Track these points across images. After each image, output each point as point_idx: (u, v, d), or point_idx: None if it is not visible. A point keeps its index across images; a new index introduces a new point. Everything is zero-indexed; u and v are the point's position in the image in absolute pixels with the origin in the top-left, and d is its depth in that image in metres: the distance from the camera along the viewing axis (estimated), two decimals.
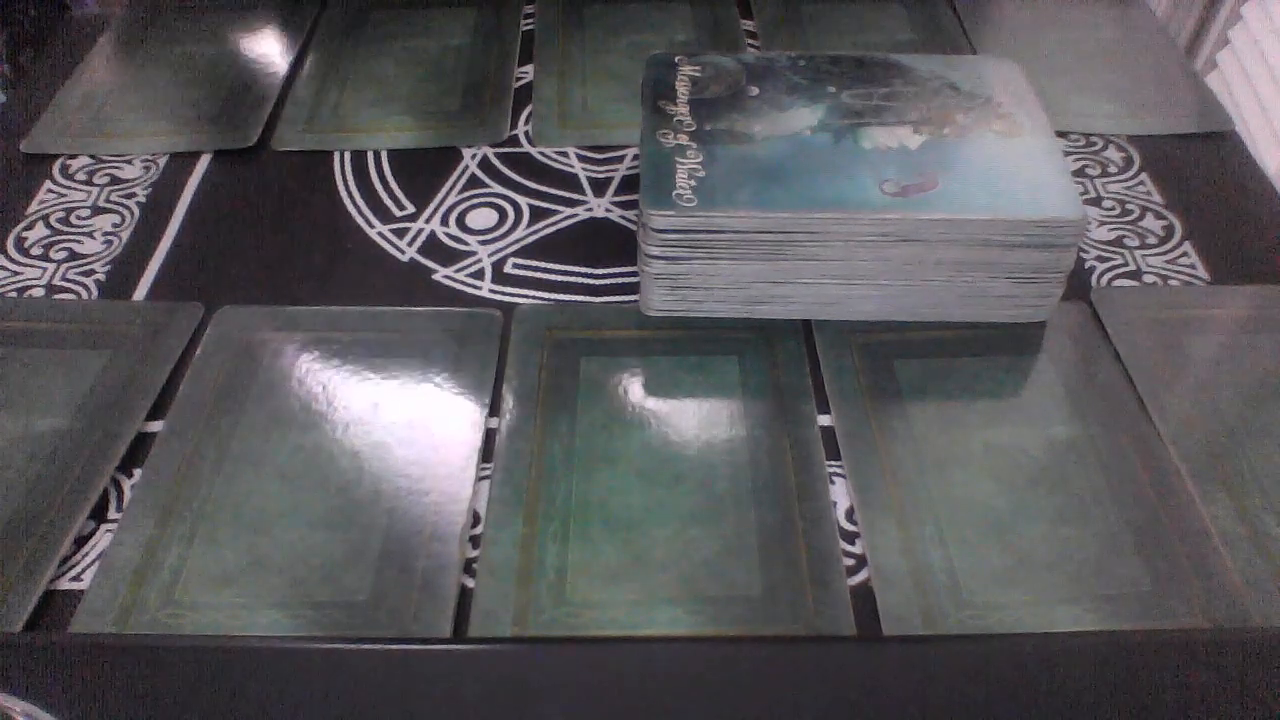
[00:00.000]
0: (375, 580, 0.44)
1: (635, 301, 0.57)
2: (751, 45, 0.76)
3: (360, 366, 0.53)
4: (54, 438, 0.49)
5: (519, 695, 0.38)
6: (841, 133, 0.55)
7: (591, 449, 0.49)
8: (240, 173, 0.66)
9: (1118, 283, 0.58)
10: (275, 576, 0.44)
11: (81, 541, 0.46)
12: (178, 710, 0.38)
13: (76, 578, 0.45)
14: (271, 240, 0.61)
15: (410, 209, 0.63)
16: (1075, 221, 0.51)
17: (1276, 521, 0.46)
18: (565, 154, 0.67)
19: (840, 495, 0.48)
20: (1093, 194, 0.64)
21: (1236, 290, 0.57)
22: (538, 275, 0.59)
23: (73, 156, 0.67)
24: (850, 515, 0.47)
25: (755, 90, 0.58)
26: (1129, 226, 0.62)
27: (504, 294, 0.58)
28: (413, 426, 0.50)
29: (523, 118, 0.70)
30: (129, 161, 0.67)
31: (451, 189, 0.65)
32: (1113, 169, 0.66)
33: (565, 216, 0.63)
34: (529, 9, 0.80)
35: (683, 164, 0.53)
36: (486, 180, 0.65)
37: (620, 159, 0.67)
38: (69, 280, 0.58)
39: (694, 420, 0.51)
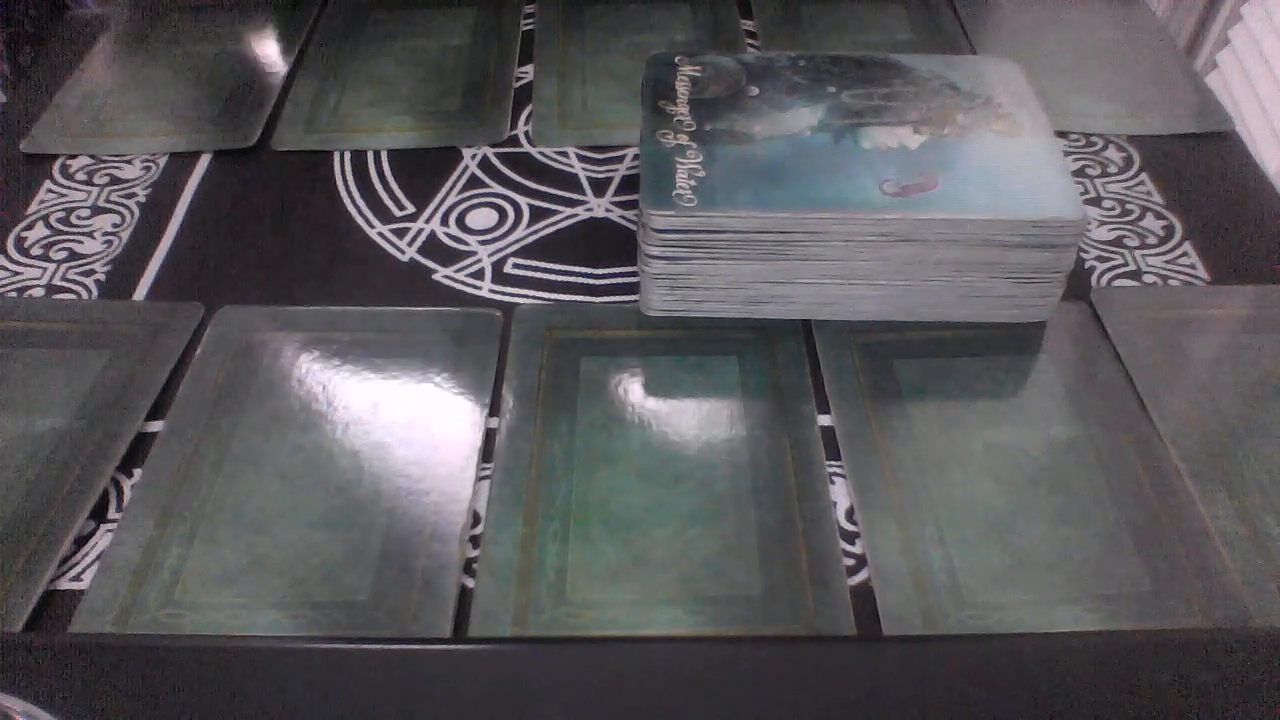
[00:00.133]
0: (375, 580, 0.44)
1: (635, 301, 0.57)
2: (751, 45, 0.76)
3: (360, 366, 0.53)
4: (54, 438, 0.49)
5: (519, 695, 0.38)
6: (841, 133, 0.55)
7: (591, 449, 0.49)
8: (240, 173, 0.66)
9: (1118, 283, 0.58)
10: (275, 576, 0.44)
11: (81, 541, 0.46)
12: (178, 710, 0.38)
13: (76, 578, 0.45)
14: (271, 240, 0.61)
15: (410, 209, 0.63)
16: (1075, 221, 0.51)
17: (1276, 521, 0.46)
18: (565, 154, 0.67)
19: (840, 495, 0.48)
20: (1093, 194, 0.64)
21: (1236, 290, 0.57)
22: (538, 275, 0.59)
23: (73, 156, 0.67)
24: (850, 515, 0.47)
25: (755, 90, 0.58)
26: (1129, 226, 0.62)
27: (504, 294, 0.58)
28: (413, 426, 0.50)
29: (523, 118, 0.70)
30: (129, 161, 0.67)
31: (451, 189, 0.65)
32: (1113, 169, 0.66)
33: (565, 216, 0.63)
34: (529, 9, 0.80)
35: (683, 164, 0.53)
36: (486, 180, 0.65)
37: (620, 159, 0.67)
38: (69, 280, 0.58)
39: (694, 420, 0.51)
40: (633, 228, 0.61)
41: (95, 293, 0.58)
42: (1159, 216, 0.62)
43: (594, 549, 0.45)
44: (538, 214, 0.63)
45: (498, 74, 0.73)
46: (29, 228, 0.62)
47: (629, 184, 0.65)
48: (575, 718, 0.38)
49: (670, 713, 0.38)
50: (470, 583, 0.44)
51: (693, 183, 0.52)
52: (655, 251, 0.52)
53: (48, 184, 0.65)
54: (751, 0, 0.80)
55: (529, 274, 0.59)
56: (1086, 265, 0.59)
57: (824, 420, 0.51)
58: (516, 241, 0.61)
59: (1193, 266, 0.59)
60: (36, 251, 0.60)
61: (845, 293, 0.54)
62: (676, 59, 0.60)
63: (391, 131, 0.69)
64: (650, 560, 0.45)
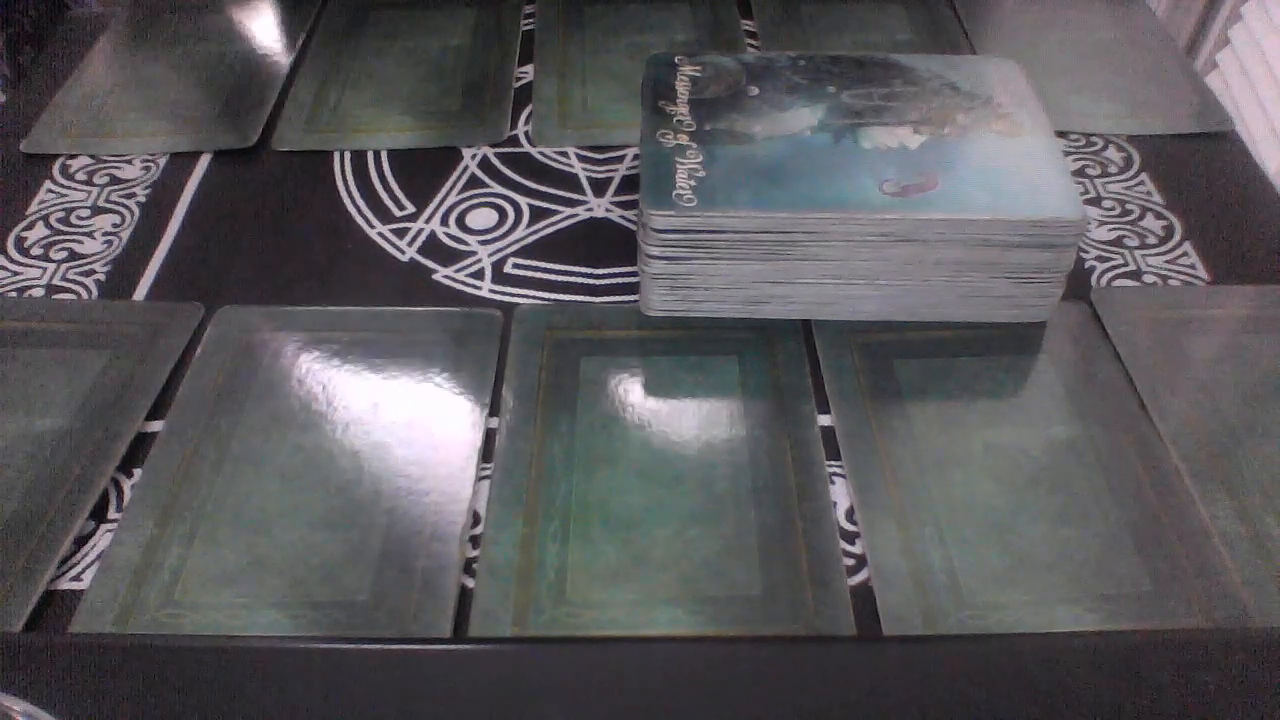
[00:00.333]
0: (375, 580, 0.44)
1: (635, 301, 0.57)
2: (751, 45, 0.76)
3: (360, 366, 0.53)
4: (54, 438, 0.49)
5: (519, 695, 0.38)
6: (841, 133, 0.55)
7: (591, 449, 0.49)
8: (240, 173, 0.66)
9: (1118, 283, 0.58)
10: (275, 576, 0.44)
11: (81, 541, 0.46)
12: (178, 710, 0.38)
13: (76, 578, 0.45)
14: (271, 240, 0.61)
15: (410, 209, 0.63)
16: (1075, 221, 0.51)
17: (1277, 521, 0.46)
18: (565, 154, 0.67)
19: (840, 495, 0.48)
20: (1093, 194, 0.64)
21: (1236, 290, 0.57)
22: (538, 275, 0.59)
23: (73, 156, 0.67)
24: (850, 515, 0.47)
25: (755, 90, 0.58)
26: (1129, 226, 0.62)
27: (504, 294, 0.58)
28: (413, 426, 0.50)
29: (523, 118, 0.70)
30: (129, 161, 0.67)
31: (451, 189, 0.65)
32: (1113, 169, 0.66)
33: (565, 216, 0.63)
34: (529, 9, 0.80)
35: (683, 164, 0.53)
36: (486, 180, 0.65)
37: (620, 159, 0.67)
38: (69, 280, 0.58)
39: (694, 420, 0.51)
40: (633, 228, 0.61)
41: (95, 293, 0.58)
42: (1159, 216, 0.62)
43: (594, 549, 0.45)
44: (538, 214, 0.63)
45: (498, 74, 0.73)
46: (29, 228, 0.62)
47: (629, 184, 0.65)
48: (575, 718, 0.38)
49: (670, 713, 0.38)
50: (470, 583, 0.44)
51: (693, 183, 0.52)
52: (655, 251, 0.52)
53: (48, 184, 0.65)
54: (751, 0, 0.80)
55: (529, 274, 0.59)
56: (1086, 265, 0.59)
57: (824, 420, 0.51)
58: (516, 241, 0.61)
59: (1193, 266, 0.59)
60: (36, 251, 0.60)
61: (845, 293, 0.54)
62: (676, 59, 0.60)
63: (392, 131, 0.69)
64: (650, 560, 0.45)
